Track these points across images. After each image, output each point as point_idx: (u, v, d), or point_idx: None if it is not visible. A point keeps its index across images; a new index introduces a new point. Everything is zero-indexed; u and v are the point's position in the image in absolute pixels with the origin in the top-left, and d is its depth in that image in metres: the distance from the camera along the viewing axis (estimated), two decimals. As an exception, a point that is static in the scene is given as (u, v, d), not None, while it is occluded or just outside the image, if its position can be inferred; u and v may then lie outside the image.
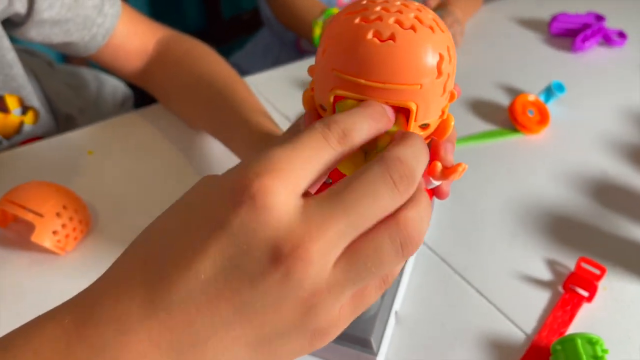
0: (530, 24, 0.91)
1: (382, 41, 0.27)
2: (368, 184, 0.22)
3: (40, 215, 0.48)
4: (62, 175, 0.58)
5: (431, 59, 0.28)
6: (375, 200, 0.22)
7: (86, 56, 0.63)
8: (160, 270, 0.21)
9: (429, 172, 0.33)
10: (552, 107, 0.70)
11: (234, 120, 0.52)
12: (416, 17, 0.28)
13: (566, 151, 0.65)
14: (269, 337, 0.22)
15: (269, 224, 0.20)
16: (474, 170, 0.57)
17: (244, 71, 0.72)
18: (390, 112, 0.28)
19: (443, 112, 0.31)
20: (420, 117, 0.29)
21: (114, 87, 0.81)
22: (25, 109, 0.62)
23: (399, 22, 0.28)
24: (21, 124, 0.62)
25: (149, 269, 0.22)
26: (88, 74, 0.80)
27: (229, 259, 0.21)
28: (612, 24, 0.87)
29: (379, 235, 0.22)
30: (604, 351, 0.42)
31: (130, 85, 0.87)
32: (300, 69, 0.77)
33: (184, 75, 0.60)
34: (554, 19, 0.87)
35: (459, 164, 0.32)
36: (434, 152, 0.35)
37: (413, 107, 0.28)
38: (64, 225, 0.49)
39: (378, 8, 0.29)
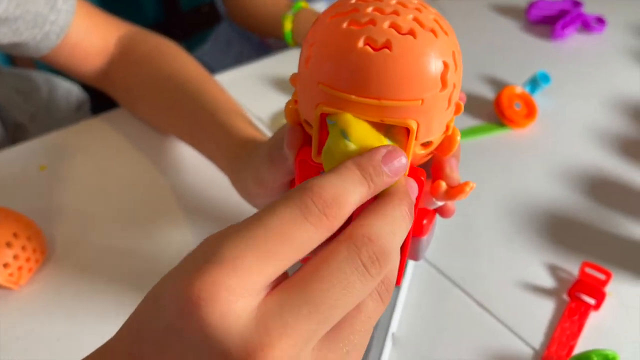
0: (507, 11, 0.88)
1: (375, 50, 0.23)
2: (336, 274, 0.19)
3: (-13, 248, 0.42)
4: (10, 197, 0.51)
5: (434, 69, 0.23)
6: (346, 293, 0.19)
7: (38, 57, 0.56)
8: None
9: (432, 192, 0.29)
10: (538, 98, 0.67)
11: (208, 124, 0.47)
12: (415, 19, 0.23)
13: (557, 145, 0.62)
14: None
15: (218, 342, 0.18)
16: (462, 171, 0.54)
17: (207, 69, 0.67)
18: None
19: (448, 127, 0.27)
20: (421, 136, 0.25)
21: (68, 90, 0.74)
22: None
23: (395, 26, 0.23)
24: None
25: None
26: (38, 77, 0.73)
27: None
28: (589, 9, 0.85)
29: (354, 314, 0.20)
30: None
31: (86, 87, 0.80)
32: (268, 67, 0.72)
33: (150, 75, 0.54)
34: (532, 5, 0.84)
35: (466, 183, 0.28)
36: (437, 169, 0.30)
37: (413, 125, 0.24)
38: (15, 257, 0.43)
39: (370, 9, 0.24)
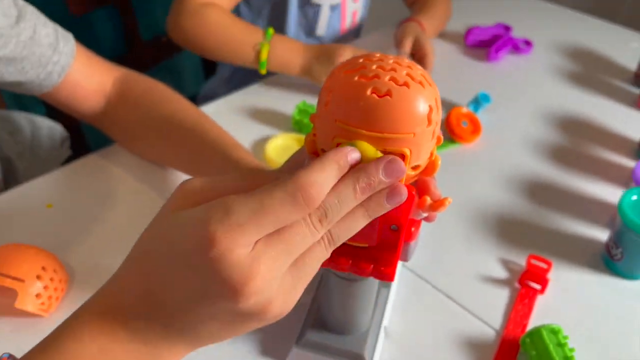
0: (447, 36, 0.98)
1: (380, 97, 0.31)
2: (297, 229, 0.29)
3: (21, 281, 0.47)
4: (22, 233, 0.56)
5: (422, 111, 0.32)
6: (303, 238, 0.30)
7: (40, 94, 0.61)
8: (160, 303, 0.30)
9: (419, 205, 0.37)
10: (481, 116, 0.77)
11: (214, 158, 0.54)
12: (408, 75, 0.32)
13: (500, 156, 0.73)
14: (237, 323, 0.31)
15: (225, 269, 0.28)
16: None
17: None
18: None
19: (432, 154, 0.35)
20: (413, 160, 0.33)
21: (50, 128, 0.79)
22: None
23: (393, 80, 0.31)
24: None
25: (147, 300, 0.31)
26: (21, 117, 0.77)
27: (200, 290, 0.29)
28: (518, 33, 0.97)
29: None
30: (565, 337, 0.48)
31: (66, 125, 0.85)
32: (240, 100, 0.79)
33: (149, 115, 0.61)
34: (469, 31, 0.95)
35: (445, 198, 0.37)
36: (422, 187, 0.39)
37: (407, 152, 0.32)
38: (45, 287, 0.49)
39: (374, 66, 0.32)
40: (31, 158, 0.75)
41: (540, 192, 0.67)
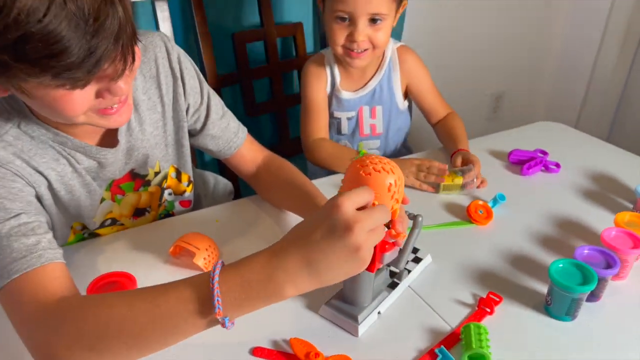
0: (495, 154, 1.35)
1: (365, 174, 0.71)
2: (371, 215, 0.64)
3: (198, 249, 0.93)
4: (204, 229, 1.03)
5: (385, 184, 0.71)
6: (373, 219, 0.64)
7: (221, 158, 1.11)
8: (306, 242, 0.62)
9: (388, 233, 0.76)
10: (496, 209, 1.11)
11: (314, 205, 0.97)
12: (382, 167, 0.72)
13: (503, 237, 1.06)
14: (344, 261, 0.62)
15: (341, 218, 0.61)
16: (444, 245, 0.99)
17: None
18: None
19: (392, 207, 0.74)
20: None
21: (225, 183, 1.31)
22: (188, 182, 1.11)
23: (374, 168, 0.72)
24: (184, 191, 1.12)
25: (299, 242, 0.64)
26: (209, 175, 1.30)
27: (328, 230, 0.61)
28: (552, 157, 1.30)
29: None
30: (486, 332, 0.80)
31: (230, 180, 1.38)
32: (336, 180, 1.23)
33: (282, 179, 1.07)
34: (512, 152, 1.30)
35: (399, 234, 0.75)
36: (393, 225, 0.77)
37: (376, 202, 0.71)
38: (208, 255, 0.94)
39: (368, 161, 0.72)
40: (211, 197, 1.26)
41: (521, 260, 0.99)
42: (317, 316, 0.85)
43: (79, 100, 0.69)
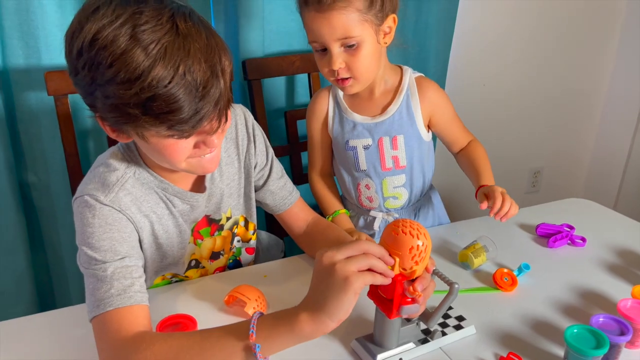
0: (525, 227, 1.45)
1: (395, 234, 0.84)
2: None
3: (249, 299, 1.06)
4: (255, 283, 1.16)
5: (409, 245, 0.83)
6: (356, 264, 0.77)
7: (275, 214, 1.28)
8: (312, 291, 0.79)
9: (408, 290, 0.87)
10: (520, 277, 1.20)
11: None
12: (410, 230, 0.85)
13: (525, 303, 1.14)
14: (339, 292, 0.75)
15: (325, 262, 0.77)
16: (472, 306, 1.09)
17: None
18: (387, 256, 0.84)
19: (411, 268, 0.86)
20: (400, 265, 0.85)
21: (277, 241, 1.47)
22: (254, 231, 1.28)
23: (402, 230, 0.84)
24: (250, 239, 1.28)
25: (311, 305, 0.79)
26: (263, 233, 1.47)
27: (320, 276, 0.77)
28: (579, 232, 1.38)
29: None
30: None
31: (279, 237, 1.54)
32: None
33: (330, 238, 1.21)
34: (539, 226, 1.40)
35: (419, 294, 0.87)
36: (415, 283, 0.88)
37: (397, 260, 0.84)
38: (258, 304, 1.06)
39: (401, 223, 0.86)
40: (266, 253, 1.42)
41: (541, 324, 1.07)
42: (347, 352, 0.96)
43: (182, 148, 0.87)
